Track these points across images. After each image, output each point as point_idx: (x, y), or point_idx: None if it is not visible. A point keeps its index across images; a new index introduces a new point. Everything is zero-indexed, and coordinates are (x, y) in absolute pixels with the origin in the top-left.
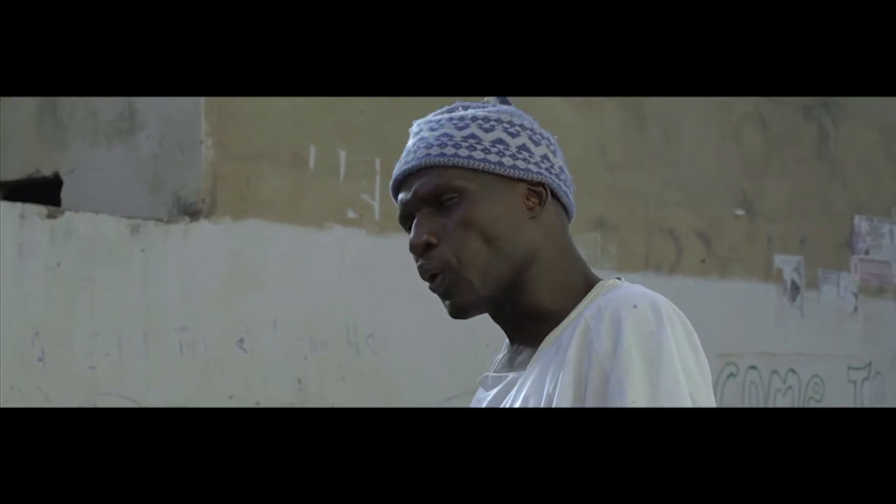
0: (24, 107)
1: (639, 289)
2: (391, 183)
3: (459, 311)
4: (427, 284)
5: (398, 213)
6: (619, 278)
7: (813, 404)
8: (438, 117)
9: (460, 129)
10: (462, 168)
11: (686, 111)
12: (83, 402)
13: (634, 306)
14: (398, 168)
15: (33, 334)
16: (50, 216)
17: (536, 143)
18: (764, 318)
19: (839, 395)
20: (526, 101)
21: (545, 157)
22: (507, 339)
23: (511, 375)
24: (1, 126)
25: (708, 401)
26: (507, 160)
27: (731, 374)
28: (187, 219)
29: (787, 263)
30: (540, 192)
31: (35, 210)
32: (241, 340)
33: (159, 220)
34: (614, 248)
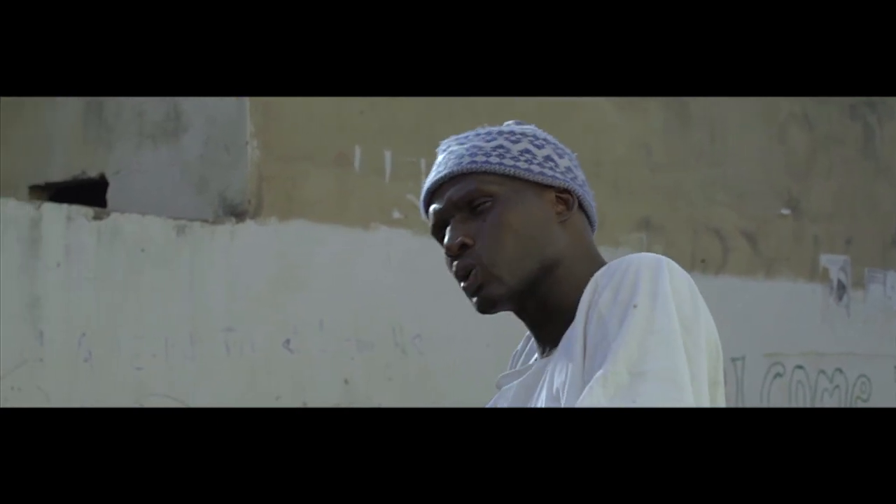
0: (70, 109)
1: (646, 253)
2: (422, 197)
3: (487, 305)
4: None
5: (430, 223)
6: None
7: (860, 404)
8: (466, 134)
9: (488, 141)
10: (493, 174)
11: (730, 111)
12: (130, 403)
13: (639, 261)
14: (429, 180)
15: (80, 335)
16: (96, 217)
17: (560, 156)
18: (810, 317)
19: (886, 395)
20: (571, 102)
21: (569, 168)
22: (527, 334)
23: (536, 365)
24: (47, 128)
25: (699, 354)
26: (534, 167)
27: (778, 374)
28: (233, 220)
29: (833, 263)
30: (567, 199)
31: (81, 211)
32: (288, 341)
33: (205, 221)
34: (660, 248)
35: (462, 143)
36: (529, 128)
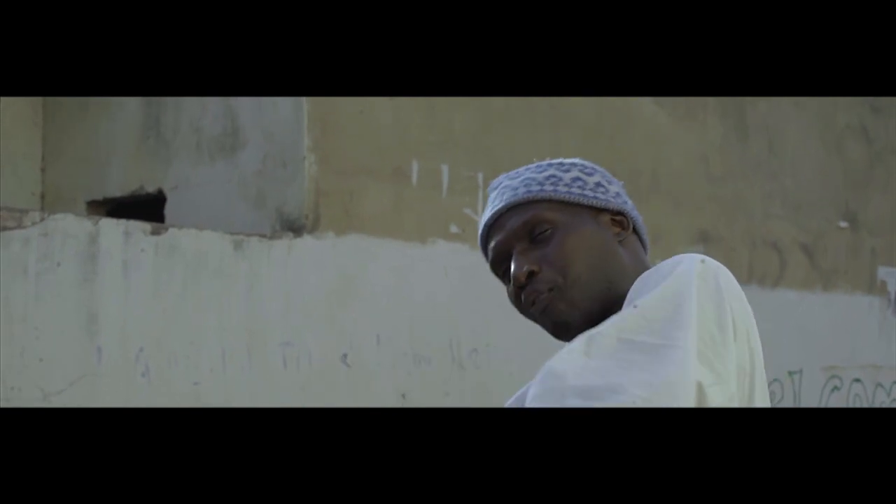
0: (128, 124)
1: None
2: (480, 237)
3: (562, 329)
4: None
5: (490, 259)
6: None
7: None
8: (516, 171)
9: (540, 172)
10: (549, 201)
11: (788, 123)
12: None
13: (678, 262)
14: (486, 216)
15: (138, 350)
16: (154, 232)
17: (609, 182)
18: (868, 330)
19: None
20: (628, 115)
21: (619, 193)
22: None
23: None
24: (105, 144)
25: (718, 358)
26: (588, 192)
27: (836, 388)
28: (291, 234)
29: (891, 275)
30: (622, 221)
31: (139, 226)
32: (345, 355)
33: (263, 235)
34: (717, 260)
35: (514, 178)
36: (579, 160)
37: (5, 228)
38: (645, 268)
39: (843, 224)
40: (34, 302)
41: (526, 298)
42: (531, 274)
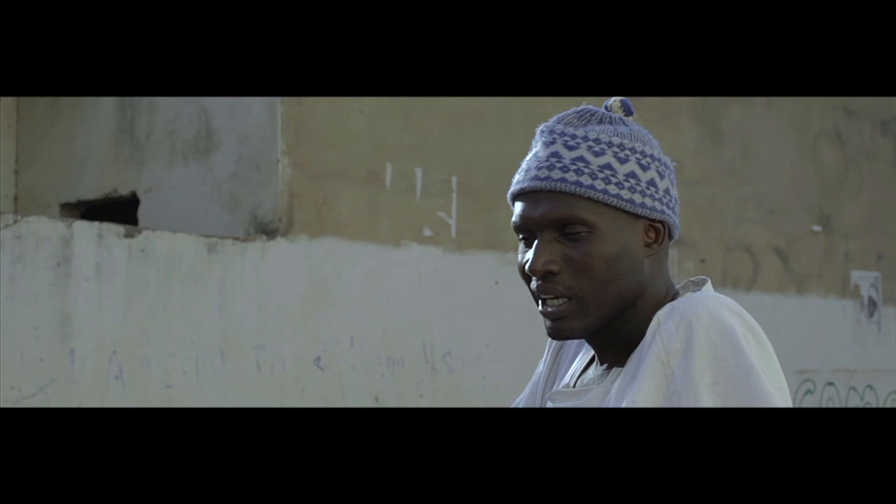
0: (102, 127)
1: (711, 296)
2: (514, 188)
3: (562, 335)
4: (505, 306)
5: (513, 221)
6: (704, 278)
7: None
8: (573, 132)
9: (597, 154)
10: (595, 201)
11: (762, 128)
12: None
13: (707, 310)
14: (526, 178)
15: (111, 353)
16: (127, 235)
17: (661, 176)
18: (841, 334)
19: None
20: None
21: (667, 190)
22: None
23: (595, 390)
24: (79, 146)
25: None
26: (636, 197)
27: (809, 391)
28: (264, 237)
29: (864, 279)
30: (658, 229)
31: (113, 229)
32: (318, 358)
33: (236, 238)
34: (691, 264)
35: (569, 148)
36: (638, 136)
37: None
38: (662, 282)
39: (817, 228)
40: (7, 304)
41: (537, 290)
42: (549, 273)
